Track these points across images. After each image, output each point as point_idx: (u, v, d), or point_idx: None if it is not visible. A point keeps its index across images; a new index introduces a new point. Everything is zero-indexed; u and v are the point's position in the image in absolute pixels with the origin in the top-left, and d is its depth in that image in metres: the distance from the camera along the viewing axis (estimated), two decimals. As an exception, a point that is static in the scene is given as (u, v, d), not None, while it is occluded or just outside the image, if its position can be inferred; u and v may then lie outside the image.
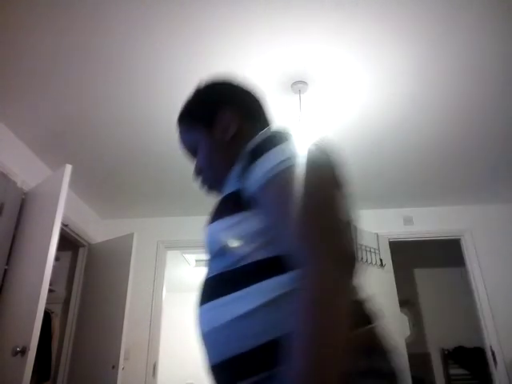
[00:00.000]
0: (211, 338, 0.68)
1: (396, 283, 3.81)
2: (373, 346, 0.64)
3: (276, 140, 0.71)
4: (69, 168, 2.64)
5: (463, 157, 3.36)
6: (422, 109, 2.78)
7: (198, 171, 0.92)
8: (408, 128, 2.98)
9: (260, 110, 0.94)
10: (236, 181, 0.75)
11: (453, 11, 2.06)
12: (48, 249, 2.40)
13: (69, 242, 3.85)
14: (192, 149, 0.94)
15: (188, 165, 3.41)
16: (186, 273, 6.00)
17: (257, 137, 0.75)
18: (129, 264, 3.50)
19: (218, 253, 0.73)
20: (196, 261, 5.63)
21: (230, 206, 0.75)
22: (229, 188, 0.78)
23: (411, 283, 5.36)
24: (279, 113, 2.77)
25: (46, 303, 2.36)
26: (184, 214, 4.30)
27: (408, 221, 4.17)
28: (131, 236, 3.64)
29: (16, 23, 2.09)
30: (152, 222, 4.33)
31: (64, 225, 3.35)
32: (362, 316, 0.67)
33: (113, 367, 3.17)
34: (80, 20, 2.08)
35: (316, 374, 0.52)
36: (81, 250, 4.06)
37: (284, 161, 0.67)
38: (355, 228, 0.78)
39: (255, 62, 2.36)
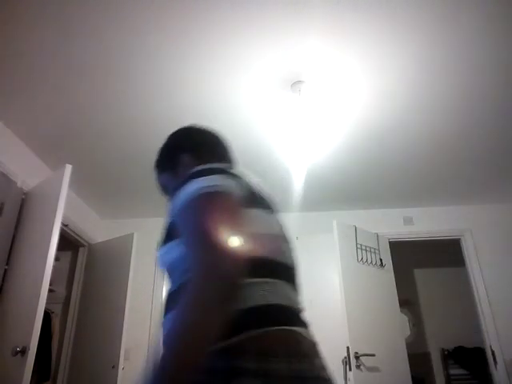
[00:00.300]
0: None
1: (396, 283, 3.81)
2: (266, 348, 0.73)
3: (193, 176, 0.86)
4: (69, 168, 2.64)
5: (463, 157, 3.36)
6: (422, 109, 2.78)
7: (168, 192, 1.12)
8: (408, 128, 2.98)
9: (215, 151, 1.15)
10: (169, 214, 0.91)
11: (452, 10, 2.06)
12: (48, 249, 2.41)
13: (69, 242, 3.85)
14: (163, 188, 1.18)
15: (188, 165, 3.40)
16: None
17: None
18: (129, 264, 3.50)
19: (167, 274, 0.90)
20: (196, 261, 5.63)
21: (167, 234, 0.89)
22: (166, 220, 0.93)
23: (411, 283, 5.36)
24: (279, 113, 2.78)
25: (46, 303, 2.36)
26: (184, 214, 4.30)
27: (408, 221, 4.17)
28: (131, 236, 3.64)
29: (16, 22, 2.09)
30: (152, 222, 4.32)
31: (64, 225, 3.35)
32: (268, 319, 0.76)
33: (113, 367, 3.17)
34: (80, 20, 2.08)
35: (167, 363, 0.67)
36: (81, 250, 4.06)
37: (190, 194, 0.81)
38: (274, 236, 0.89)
39: (255, 62, 2.36)
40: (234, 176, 0.89)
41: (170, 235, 0.87)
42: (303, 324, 0.82)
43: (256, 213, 0.86)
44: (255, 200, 0.88)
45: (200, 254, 0.71)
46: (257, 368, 0.70)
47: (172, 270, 0.86)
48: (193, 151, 1.13)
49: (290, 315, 0.80)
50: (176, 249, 0.83)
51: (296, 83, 2.50)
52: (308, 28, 2.15)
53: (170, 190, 1.10)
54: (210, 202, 0.79)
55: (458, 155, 3.34)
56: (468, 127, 2.98)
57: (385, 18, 2.09)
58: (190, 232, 0.76)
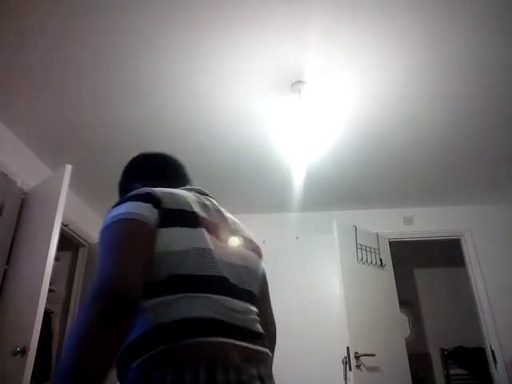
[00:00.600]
0: None
1: (396, 283, 3.81)
2: (180, 360, 0.77)
3: (117, 204, 0.92)
4: (69, 168, 2.64)
5: (463, 157, 3.36)
6: (422, 109, 2.78)
7: None
8: (408, 128, 2.98)
9: (164, 174, 1.25)
10: None
11: (452, 11, 2.06)
12: (48, 249, 2.40)
13: (69, 242, 3.85)
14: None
15: (188, 165, 3.40)
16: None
17: None
18: (129, 264, 3.49)
19: None
20: (196, 261, 5.63)
21: None
22: None
23: (411, 283, 5.36)
24: (279, 113, 2.77)
25: (46, 303, 2.36)
26: (184, 214, 4.30)
27: (408, 221, 4.17)
28: (131, 236, 3.63)
29: (16, 23, 2.09)
30: (152, 222, 4.32)
31: (64, 225, 3.35)
32: (182, 332, 0.80)
33: (113, 367, 3.17)
34: (81, 20, 2.08)
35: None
36: (81, 250, 4.06)
37: (104, 222, 0.88)
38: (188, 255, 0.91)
39: (255, 62, 2.36)
40: (153, 198, 0.92)
41: None
42: (229, 334, 0.84)
43: (170, 232, 0.89)
44: (176, 218, 0.91)
45: (95, 279, 0.77)
46: (172, 381, 0.74)
47: None
48: (142, 179, 1.20)
49: (209, 326, 0.82)
50: None
51: (296, 83, 2.50)
52: (308, 28, 2.15)
53: None
54: (116, 230, 0.85)
55: (458, 155, 3.33)
56: (468, 127, 2.98)
57: (385, 18, 2.09)
58: (98, 261, 0.83)
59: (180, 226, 0.91)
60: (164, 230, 0.88)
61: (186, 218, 0.93)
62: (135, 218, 0.86)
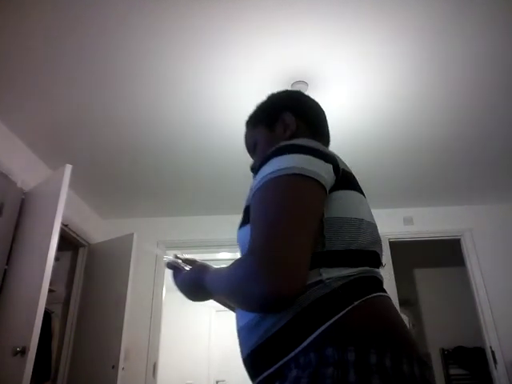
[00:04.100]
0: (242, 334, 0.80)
1: (396, 283, 3.81)
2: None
3: (272, 154, 0.78)
4: (69, 168, 2.63)
5: (463, 157, 3.36)
6: (422, 109, 2.78)
7: (253, 165, 1.01)
8: (408, 128, 2.99)
9: (318, 123, 1.04)
10: (250, 193, 0.84)
11: (454, 9, 2.06)
12: (48, 249, 2.40)
13: (69, 242, 3.85)
14: (252, 145, 1.05)
15: (188, 165, 3.41)
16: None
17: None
18: (129, 264, 3.50)
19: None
20: (196, 261, 5.63)
21: (246, 215, 0.82)
22: (247, 200, 0.86)
23: (411, 283, 5.36)
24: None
25: (46, 303, 2.36)
26: (184, 214, 4.31)
27: (408, 221, 4.17)
28: (131, 236, 3.64)
29: (16, 23, 2.09)
30: (152, 222, 4.33)
31: (64, 225, 3.35)
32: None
33: (113, 367, 3.17)
34: (79, 20, 2.08)
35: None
36: (81, 250, 4.06)
37: (270, 173, 0.74)
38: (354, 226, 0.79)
39: (255, 63, 2.36)
40: (325, 155, 0.78)
41: (247, 216, 0.80)
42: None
43: (347, 195, 0.78)
44: (347, 182, 0.80)
45: (260, 246, 0.66)
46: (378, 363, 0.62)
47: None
48: (296, 112, 1.00)
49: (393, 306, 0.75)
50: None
51: (296, 83, 2.50)
52: (308, 28, 2.15)
53: (259, 149, 1.01)
54: (289, 186, 0.71)
55: (458, 155, 3.34)
56: (468, 127, 2.98)
57: (386, 18, 2.09)
58: (257, 218, 0.71)
59: (354, 190, 0.81)
60: (341, 192, 0.77)
61: (356, 182, 0.83)
62: (312, 177, 0.72)
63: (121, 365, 3.18)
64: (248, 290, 0.66)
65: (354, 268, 0.73)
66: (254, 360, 0.74)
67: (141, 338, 3.82)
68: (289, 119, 0.99)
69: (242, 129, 2.91)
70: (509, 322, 3.69)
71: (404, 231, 4.12)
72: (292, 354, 0.66)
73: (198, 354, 6.48)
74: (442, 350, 5.01)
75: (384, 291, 0.77)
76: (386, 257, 3.89)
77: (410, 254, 4.69)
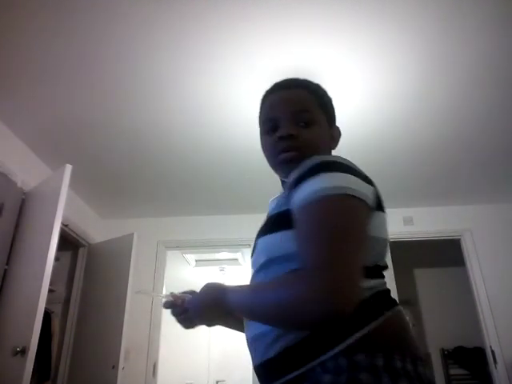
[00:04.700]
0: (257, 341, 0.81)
1: (396, 283, 3.81)
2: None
3: (320, 167, 0.77)
4: (69, 168, 2.64)
5: (463, 157, 3.36)
6: (422, 109, 2.78)
7: (293, 136, 0.90)
8: (408, 128, 2.99)
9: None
10: (284, 200, 0.83)
11: (456, 7, 2.06)
12: (48, 249, 2.40)
13: (69, 242, 3.85)
14: (299, 111, 0.92)
15: (188, 165, 3.41)
16: (186, 273, 6.00)
17: (310, 160, 0.81)
18: (129, 264, 3.50)
19: (263, 265, 0.83)
20: (196, 261, 5.63)
21: (280, 222, 0.80)
22: (278, 206, 0.85)
23: (411, 283, 5.36)
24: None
25: (46, 303, 2.36)
26: (184, 214, 4.31)
27: (408, 221, 4.17)
28: (131, 236, 3.64)
29: (16, 23, 2.09)
30: (152, 222, 4.33)
31: (64, 225, 3.35)
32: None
33: (113, 367, 3.17)
34: (80, 20, 2.08)
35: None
36: (81, 250, 4.06)
37: (324, 189, 0.73)
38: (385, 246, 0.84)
39: (256, 63, 2.36)
40: (368, 179, 0.81)
41: (280, 223, 0.80)
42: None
43: (381, 217, 0.81)
44: (380, 203, 0.82)
45: (325, 264, 0.66)
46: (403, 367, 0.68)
47: (275, 262, 0.79)
48: (333, 120, 1.00)
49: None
50: (291, 240, 0.76)
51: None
52: (309, 28, 2.15)
53: (315, 131, 0.92)
54: (347, 207, 0.72)
55: (458, 155, 3.34)
56: (468, 127, 2.98)
57: (386, 17, 2.09)
58: (316, 235, 0.70)
59: (384, 212, 0.83)
60: (376, 213, 0.79)
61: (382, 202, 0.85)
62: (363, 199, 0.74)
63: (121, 365, 3.18)
64: (308, 307, 0.65)
65: (375, 280, 0.78)
66: (275, 364, 0.74)
67: (141, 338, 3.82)
68: (338, 133, 1.00)
69: (242, 128, 2.92)
70: (509, 322, 3.69)
71: (404, 231, 4.12)
72: (321, 358, 0.69)
73: (198, 354, 6.48)
74: (442, 350, 5.01)
75: (396, 302, 0.81)
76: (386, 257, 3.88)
77: (410, 253, 4.69)
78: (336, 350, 0.68)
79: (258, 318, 0.76)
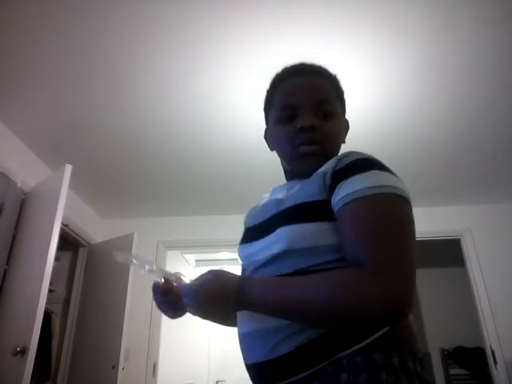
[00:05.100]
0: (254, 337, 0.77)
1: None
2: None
3: (371, 164, 0.76)
4: (69, 168, 2.64)
5: (463, 157, 3.36)
6: (422, 109, 2.78)
7: (315, 128, 0.86)
8: (408, 128, 2.98)
9: None
10: (317, 190, 0.77)
11: (456, 7, 2.06)
12: (48, 249, 2.40)
13: (69, 242, 3.85)
14: (320, 97, 0.88)
15: (188, 165, 3.40)
16: (186, 273, 5.99)
17: (351, 154, 0.79)
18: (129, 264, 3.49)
19: (277, 256, 0.77)
20: (196, 261, 5.63)
21: (314, 213, 0.76)
22: (306, 195, 0.79)
23: (411, 283, 5.36)
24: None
25: (46, 303, 2.36)
26: (184, 214, 4.30)
27: (408, 221, 4.17)
28: (131, 236, 3.64)
29: (16, 23, 2.09)
30: (152, 222, 4.33)
31: (64, 225, 3.35)
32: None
33: (113, 367, 3.17)
34: (80, 20, 2.08)
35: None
36: (81, 250, 4.06)
37: (375, 187, 0.72)
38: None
39: (256, 62, 2.36)
40: (400, 178, 0.80)
41: (314, 214, 0.76)
42: None
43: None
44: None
45: (393, 274, 0.65)
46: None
47: (297, 253, 0.74)
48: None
49: None
50: (326, 233, 0.73)
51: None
52: (309, 28, 2.15)
53: (334, 124, 0.89)
54: (403, 207, 0.74)
55: (458, 155, 3.33)
56: (468, 127, 2.98)
57: (385, 17, 2.09)
58: (380, 233, 0.69)
59: None
60: None
61: None
62: (408, 200, 0.76)
63: (121, 365, 3.18)
64: (372, 305, 0.64)
65: None
66: (287, 362, 0.71)
67: (141, 338, 3.82)
68: (348, 127, 1.00)
69: (241, 128, 2.92)
70: (509, 321, 3.68)
71: (404, 231, 4.11)
72: (336, 356, 0.67)
73: (198, 354, 6.48)
74: (442, 350, 5.01)
75: None
76: (386, 257, 3.88)
77: (410, 253, 4.68)
78: (354, 348, 0.67)
79: (294, 315, 0.70)
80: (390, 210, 0.72)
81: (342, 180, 0.74)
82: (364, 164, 0.75)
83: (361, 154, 0.79)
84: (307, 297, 0.67)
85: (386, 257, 0.66)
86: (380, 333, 0.68)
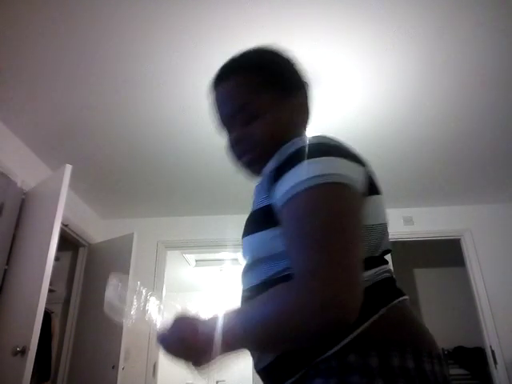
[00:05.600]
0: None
1: (396, 283, 3.80)
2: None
3: (302, 154, 0.68)
4: (69, 168, 2.64)
5: (463, 157, 3.36)
6: (422, 109, 2.78)
7: (239, 139, 0.83)
8: (408, 128, 2.98)
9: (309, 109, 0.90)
10: (265, 194, 0.73)
11: (456, 6, 2.06)
12: (48, 249, 2.41)
13: (69, 242, 3.85)
14: (235, 110, 0.83)
15: (188, 165, 3.41)
16: (186, 273, 6.00)
17: (291, 145, 0.72)
18: (129, 264, 3.50)
19: (250, 266, 0.76)
20: (196, 261, 5.63)
21: (263, 220, 0.73)
22: (259, 201, 0.76)
23: (411, 283, 5.36)
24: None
25: (46, 303, 2.36)
26: (184, 214, 4.30)
27: (408, 221, 4.17)
28: (131, 236, 3.64)
29: (16, 23, 2.09)
30: (152, 222, 4.33)
31: (64, 225, 3.35)
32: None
33: (113, 367, 3.17)
34: (80, 20, 2.08)
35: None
36: (81, 250, 4.06)
37: (301, 182, 0.64)
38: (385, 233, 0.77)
39: (255, 62, 2.36)
40: (357, 158, 0.72)
41: (263, 221, 0.72)
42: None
43: (375, 201, 0.72)
44: (375, 185, 0.74)
45: (322, 278, 0.58)
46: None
47: (261, 262, 0.72)
48: (307, 96, 0.87)
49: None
50: (276, 239, 0.69)
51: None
52: (309, 28, 2.15)
53: (261, 125, 0.82)
54: (336, 198, 0.64)
55: (458, 155, 3.34)
56: (468, 127, 2.98)
57: (385, 18, 2.09)
58: (304, 235, 0.62)
59: (380, 194, 0.75)
60: (374, 197, 0.72)
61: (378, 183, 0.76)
62: (352, 186, 0.65)
63: (121, 365, 3.18)
64: (308, 319, 0.58)
65: (373, 269, 0.70)
66: (273, 370, 0.69)
67: (141, 338, 3.82)
68: (303, 101, 0.86)
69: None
70: (509, 322, 3.68)
71: (404, 231, 4.11)
72: (315, 361, 0.64)
73: (198, 353, 6.47)
74: (442, 350, 5.00)
75: (400, 291, 0.74)
76: (386, 257, 3.88)
77: (410, 254, 4.69)
78: (330, 352, 0.63)
79: (256, 345, 0.67)
80: (317, 206, 0.63)
81: (278, 180, 0.69)
82: (296, 156, 0.68)
83: (298, 142, 0.71)
84: (256, 323, 0.63)
85: (312, 262, 0.60)
86: (357, 331, 0.63)
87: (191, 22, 2.10)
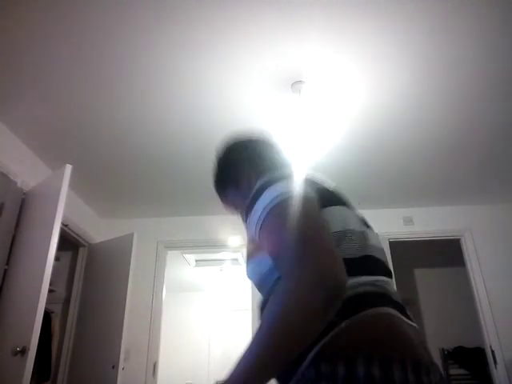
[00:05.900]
0: None
1: (396, 283, 3.80)
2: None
3: (263, 187, 0.82)
4: (69, 168, 2.64)
5: (463, 157, 3.36)
6: (421, 109, 2.78)
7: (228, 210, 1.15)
8: (408, 128, 2.99)
9: (272, 156, 1.10)
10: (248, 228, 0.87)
11: (452, 9, 2.06)
12: (48, 249, 2.40)
13: (69, 242, 3.85)
14: (232, 205, 1.13)
15: (188, 165, 3.41)
16: (186, 273, 6.00)
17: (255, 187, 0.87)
18: (129, 264, 3.50)
19: (257, 286, 0.88)
20: (196, 261, 5.63)
21: (255, 247, 0.87)
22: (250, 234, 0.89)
23: (411, 283, 5.36)
24: (279, 113, 2.77)
25: (46, 303, 2.36)
26: (184, 214, 4.31)
27: (408, 221, 4.17)
28: (131, 236, 3.64)
29: (17, 23, 2.09)
30: (152, 222, 4.33)
31: (64, 225, 3.35)
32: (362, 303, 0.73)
33: (113, 367, 3.17)
34: (80, 20, 2.08)
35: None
36: (81, 250, 4.06)
37: (268, 204, 0.77)
38: (363, 234, 0.86)
39: (256, 62, 2.36)
40: (304, 179, 0.88)
41: (257, 248, 0.85)
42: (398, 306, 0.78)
43: (335, 210, 0.85)
44: (330, 197, 0.88)
45: (304, 258, 0.65)
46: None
47: (263, 282, 0.84)
48: (252, 163, 1.10)
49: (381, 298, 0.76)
50: (265, 262, 0.81)
51: (296, 83, 2.50)
52: (308, 28, 2.15)
53: (238, 205, 1.09)
54: (293, 204, 0.75)
55: (458, 155, 3.34)
56: (468, 126, 2.98)
57: (384, 18, 2.09)
58: (282, 239, 0.72)
59: (340, 205, 0.89)
60: (329, 208, 0.84)
61: (339, 197, 0.93)
62: (308, 196, 0.80)
63: (121, 365, 3.18)
64: (307, 299, 0.61)
65: (355, 278, 0.76)
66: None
67: (141, 338, 3.82)
68: (248, 174, 1.06)
69: (242, 128, 2.92)
70: (509, 322, 3.69)
71: (404, 231, 4.12)
72: (298, 370, 0.68)
73: (198, 354, 6.48)
74: (442, 350, 5.00)
75: (383, 302, 0.75)
76: (386, 257, 3.88)
77: (410, 254, 4.70)
78: (308, 360, 0.67)
79: (281, 353, 0.64)
80: (281, 216, 0.74)
81: (248, 215, 0.84)
82: (253, 198, 0.83)
83: (256, 187, 0.85)
84: (272, 317, 0.65)
85: (291, 256, 0.67)
86: (326, 339, 0.66)
87: (197, 23, 2.10)
